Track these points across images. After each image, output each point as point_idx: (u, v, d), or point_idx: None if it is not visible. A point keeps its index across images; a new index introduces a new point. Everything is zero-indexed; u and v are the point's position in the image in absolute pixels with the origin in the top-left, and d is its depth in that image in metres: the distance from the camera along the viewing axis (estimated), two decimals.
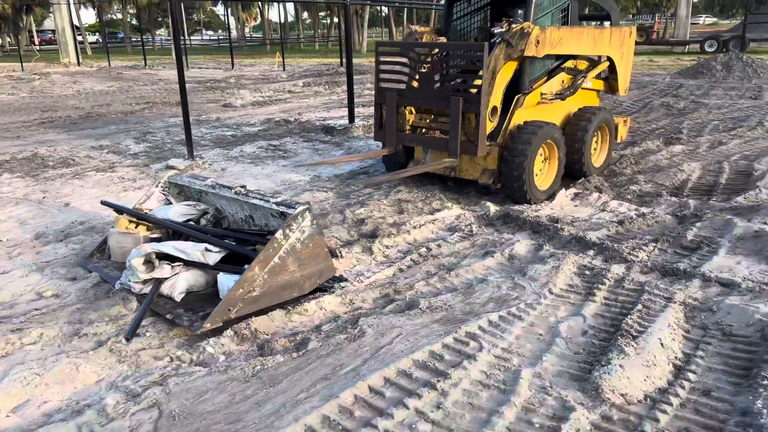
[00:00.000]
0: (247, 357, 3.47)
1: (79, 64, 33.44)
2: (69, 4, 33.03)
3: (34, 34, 66.50)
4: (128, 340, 3.54)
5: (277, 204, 4.24)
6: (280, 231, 3.93)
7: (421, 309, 3.97)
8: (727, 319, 3.66)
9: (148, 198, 5.20)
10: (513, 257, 4.84)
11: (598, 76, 7.48)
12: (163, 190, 5.27)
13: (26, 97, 17.91)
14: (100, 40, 70.93)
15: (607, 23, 7.88)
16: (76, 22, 50.96)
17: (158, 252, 4.14)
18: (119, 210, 4.97)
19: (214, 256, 4.17)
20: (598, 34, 6.90)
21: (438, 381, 3.06)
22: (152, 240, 4.65)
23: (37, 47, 57.11)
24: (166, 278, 4.09)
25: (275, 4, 47.22)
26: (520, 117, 6.33)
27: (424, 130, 6.58)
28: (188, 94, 17.37)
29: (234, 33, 64.54)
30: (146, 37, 67.25)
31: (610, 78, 7.58)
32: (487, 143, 6.23)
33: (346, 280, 4.48)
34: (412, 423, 2.78)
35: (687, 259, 4.60)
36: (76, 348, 3.60)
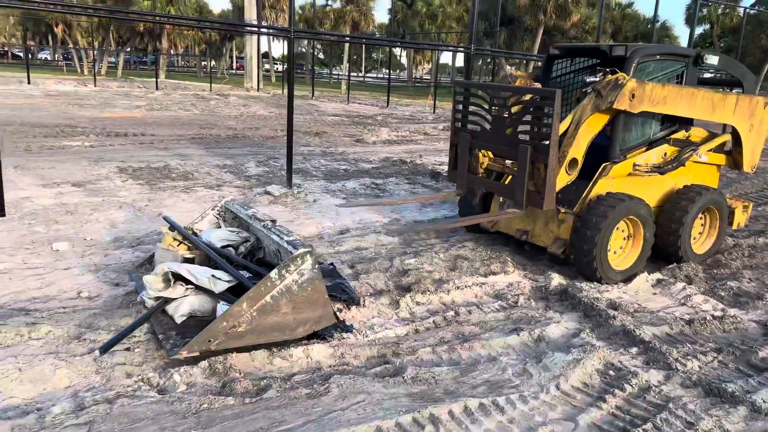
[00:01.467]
0: (203, 392, 3.44)
1: (258, 89, 36.71)
2: (258, 37, 36.54)
3: (234, 59, 74.54)
4: (102, 352, 3.69)
5: (287, 242, 4.23)
6: (276, 270, 3.89)
7: (403, 378, 3.69)
8: None
9: (202, 219, 5.46)
10: (541, 339, 4.36)
11: (719, 149, 6.62)
12: (218, 214, 5.51)
13: (197, 114, 19.96)
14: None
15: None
16: (269, 51, 56.25)
17: (174, 272, 4.30)
18: (172, 227, 5.27)
19: (221, 284, 4.24)
20: (719, 99, 6.09)
21: None
22: (186, 260, 4.86)
23: (232, 71, 63.76)
24: (174, 298, 4.23)
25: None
26: (603, 187, 5.77)
27: (507, 176, 6.19)
28: (331, 126, 18.31)
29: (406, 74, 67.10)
30: (324, 71, 72.20)
31: (734, 152, 6.66)
32: (563, 210, 5.76)
33: (350, 331, 4.32)
34: None
35: (745, 380, 3.82)
36: (68, 351, 3.81)
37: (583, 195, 5.72)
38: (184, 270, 4.30)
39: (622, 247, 5.83)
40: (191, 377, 3.59)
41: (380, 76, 79.93)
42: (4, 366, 3.51)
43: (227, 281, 4.28)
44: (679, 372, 3.89)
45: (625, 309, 4.96)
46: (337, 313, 4.56)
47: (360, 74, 73.47)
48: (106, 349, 3.72)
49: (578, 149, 5.46)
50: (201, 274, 4.26)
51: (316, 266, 4.01)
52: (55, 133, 13.42)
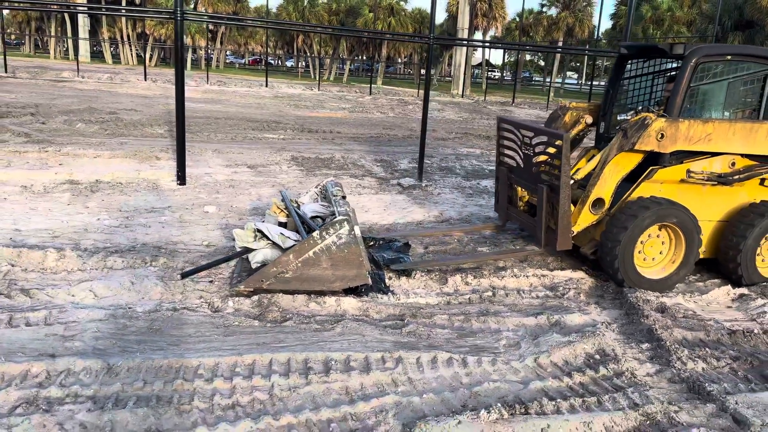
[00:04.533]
0: (242, 315, 4.42)
1: (462, 95, 37.92)
2: (466, 47, 37.75)
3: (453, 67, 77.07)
4: (182, 277, 4.88)
5: (337, 212, 5.06)
6: (317, 231, 4.74)
7: (401, 330, 4.30)
8: None
9: (306, 194, 6.53)
10: (557, 324, 4.60)
11: None
12: (319, 191, 6.53)
13: (389, 117, 21.64)
14: (507, 77, 78.14)
15: None
16: (483, 59, 57.39)
17: (258, 229, 5.39)
18: (283, 198, 6.41)
19: (289, 242, 5.20)
20: None
21: (316, 375, 3.54)
22: (280, 224, 5.93)
23: (450, 78, 66.02)
24: (254, 249, 5.30)
25: None
26: (647, 191, 5.50)
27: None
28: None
29: None
30: (542, 79, 70.97)
31: None
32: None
33: (386, 293, 5.00)
34: (260, 391, 3.37)
35: (734, 385, 3.72)
36: (170, 277, 5.08)
37: (624, 197, 5.52)
38: (264, 228, 5.35)
39: (662, 252, 5.53)
40: (241, 305, 4.60)
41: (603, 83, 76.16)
42: (122, 280, 4.86)
43: (294, 240, 5.24)
44: (674, 368, 3.91)
45: (671, 314, 4.89)
46: (385, 279, 5.28)
47: (579, 81, 71.08)
48: (185, 275, 4.91)
49: (603, 189, 5.43)
50: (274, 231, 5.28)
51: (353, 232, 4.78)
52: (262, 127, 15.82)
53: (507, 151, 6.22)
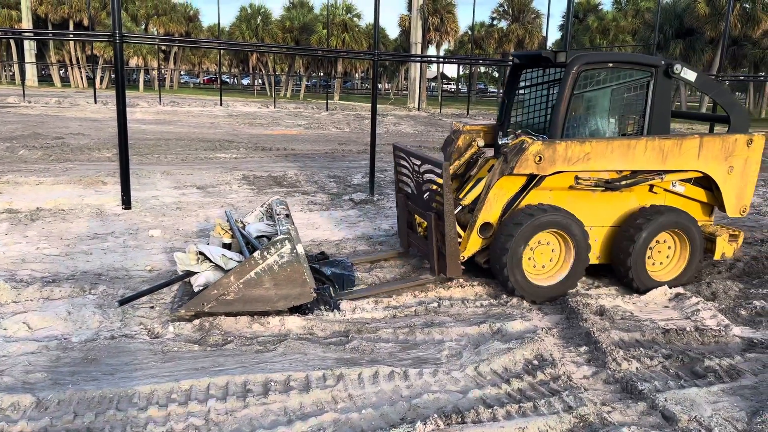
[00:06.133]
0: (182, 340, 4.36)
1: (419, 109, 38.31)
2: (420, 63, 38.24)
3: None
4: (119, 304, 4.79)
5: (279, 231, 5.04)
6: (258, 251, 4.72)
7: (344, 347, 4.30)
8: None
9: (252, 213, 6.49)
10: (499, 332, 4.66)
11: (700, 185, 6.02)
12: (265, 210, 6.50)
13: (345, 132, 21.72)
14: (463, 89, 79.31)
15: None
16: (439, 71, 58.20)
17: (201, 251, 5.33)
18: (228, 219, 6.36)
19: (231, 263, 5.16)
20: (672, 145, 5.51)
21: (254, 397, 3.50)
22: (224, 245, 5.88)
23: (407, 92, 66.73)
24: (196, 272, 5.24)
25: None
26: (534, 198, 5.52)
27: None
28: None
29: None
30: (496, 90, 72.32)
31: (715, 194, 6.01)
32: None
33: (333, 309, 5.00)
34: (196, 417, 3.32)
35: (664, 382, 3.83)
36: (110, 304, 4.98)
37: (514, 206, 5.50)
38: (206, 250, 5.30)
39: (552, 259, 5.53)
40: (182, 329, 4.54)
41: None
42: (59, 310, 4.73)
43: (237, 261, 5.19)
44: (609, 370, 4.00)
45: (610, 316, 5.01)
46: (332, 292, 5.28)
47: None
48: (123, 302, 4.82)
49: (490, 213, 5.44)
50: (216, 253, 5.23)
51: (295, 251, 4.77)
52: (214, 147, 15.68)
53: (403, 178, 6.15)
